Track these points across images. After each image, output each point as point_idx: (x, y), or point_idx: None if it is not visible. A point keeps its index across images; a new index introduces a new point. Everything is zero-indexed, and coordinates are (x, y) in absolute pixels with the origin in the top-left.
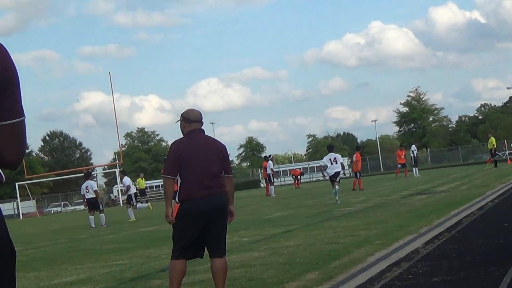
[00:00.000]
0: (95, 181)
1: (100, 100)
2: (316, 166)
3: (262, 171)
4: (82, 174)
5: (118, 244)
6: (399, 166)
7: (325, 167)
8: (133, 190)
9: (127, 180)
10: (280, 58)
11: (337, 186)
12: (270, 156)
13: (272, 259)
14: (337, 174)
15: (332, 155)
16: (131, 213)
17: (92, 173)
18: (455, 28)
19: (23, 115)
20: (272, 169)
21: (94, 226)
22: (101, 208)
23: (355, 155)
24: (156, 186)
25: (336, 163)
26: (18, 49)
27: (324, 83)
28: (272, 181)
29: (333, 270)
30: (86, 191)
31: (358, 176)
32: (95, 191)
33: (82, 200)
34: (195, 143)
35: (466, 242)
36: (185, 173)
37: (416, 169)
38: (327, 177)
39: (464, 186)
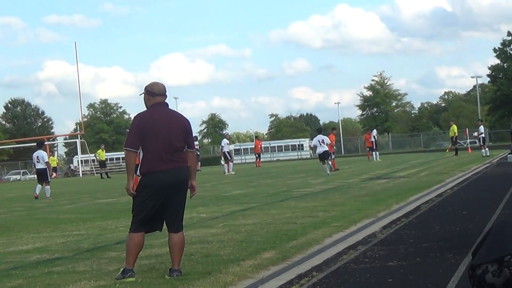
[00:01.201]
0: (55, 150)
1: (63, 70)
2: (277, 146)
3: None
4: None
5: (75, 215)
6: (368, 149)
7: (315, 147)
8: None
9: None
10: (245, 36)
11: (325, 165)
12: (225, 133)
13: (229, 236)
14: (325, 153)
15: (320, 137)
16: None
17: (53, 143)
18: (421, 15)
19: None
20: (222, 147)
21: (37, 194)
22: (49, 180)
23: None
24: (116, 158)
25: (324, 143)
26: None
27: (288, 63)
28: (229, 158)
29: (289, 250)
30: (37, 161)
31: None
32: (47, 163)
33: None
34: (159, 117)
35: (424, 228)
36: (147, 146)
37: (377, 153)
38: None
39: (424, 173)
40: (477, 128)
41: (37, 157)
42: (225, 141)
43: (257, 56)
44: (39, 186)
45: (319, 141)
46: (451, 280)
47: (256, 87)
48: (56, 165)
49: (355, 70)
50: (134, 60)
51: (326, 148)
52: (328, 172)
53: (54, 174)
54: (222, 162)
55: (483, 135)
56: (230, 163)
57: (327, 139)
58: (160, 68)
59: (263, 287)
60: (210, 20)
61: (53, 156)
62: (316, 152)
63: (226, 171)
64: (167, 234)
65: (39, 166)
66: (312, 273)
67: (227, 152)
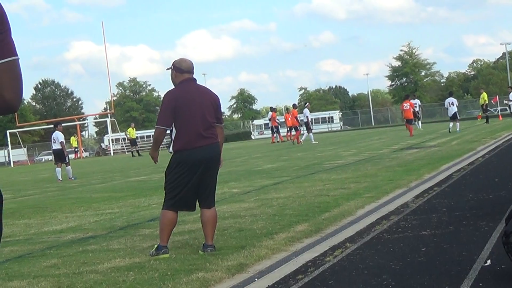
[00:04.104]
0: (85, 129)
1: (89, 50)
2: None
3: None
4: (74, 123)
5: (108, 193)
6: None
7: (446, 109)
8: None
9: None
10: (269, 10)
11: (451, 123)
12: (306, 104)
13: (261, 210)
14: (454, 114)
15: (450, 99)
16: (59, 174)
17: (84, 122)
18: None
19: (16, 55)
20: (307, 117)
21: (61, 179)
22: (67, 161)
23: (408, 103)
24: (147, 136)
25: (453, 105)
26: None
27: (314, 36)
28: (310, 128)
29: (322, 222)
30: (54, 142)
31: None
32: (61, 143)
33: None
34: (190, 93)
35: (456, 196)
36: (181, 123)
37: (419, 122)
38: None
39: (455, 141)
40: (507, 95)
41: (53, 137)
42: (306, 110)
43: (282, 30)
44: (58, 170)
45: (449, 102)
46: (485, 248)
47: (283, 61)
48: (76, 145)
49: (381, 41)
50: (159, 38)
51: (455, 110)
52: (450, 129)
53: (73, 155)
54: (269, 135)
55: None
56: (310, 133)
57: (455, 101)
58: (186, 45)
59: (297, 260)
60: None
61: (74, 136)
62: (448, 112)
63: (313, 140)
64: (199, 210)
65: (55, 146)
66: (346, 244)
67: (307, 122)
